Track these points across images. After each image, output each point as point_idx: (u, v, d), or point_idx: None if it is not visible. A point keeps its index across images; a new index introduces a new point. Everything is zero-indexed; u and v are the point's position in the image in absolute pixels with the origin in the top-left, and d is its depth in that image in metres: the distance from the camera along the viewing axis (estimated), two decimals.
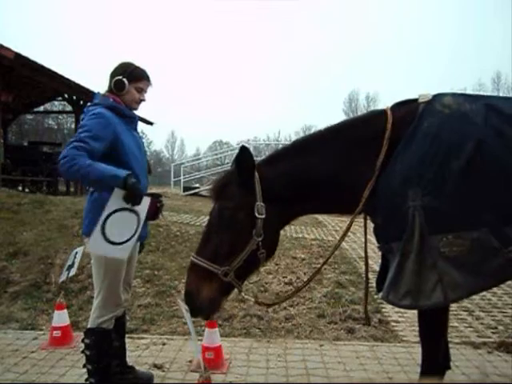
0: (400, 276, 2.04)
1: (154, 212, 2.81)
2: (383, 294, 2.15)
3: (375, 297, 4.87)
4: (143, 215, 2.49)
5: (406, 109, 2.23)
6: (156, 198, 2.85)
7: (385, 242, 2.19)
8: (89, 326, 2.76)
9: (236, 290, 2.24)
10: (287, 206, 2.25)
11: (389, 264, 2.18)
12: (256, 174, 2.19)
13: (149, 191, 2.99)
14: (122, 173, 2.43)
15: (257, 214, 2.13)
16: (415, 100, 2.26)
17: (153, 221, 2.93)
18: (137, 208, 2.46)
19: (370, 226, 2.32)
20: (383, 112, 2.26)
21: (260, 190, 2.16)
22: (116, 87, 2.76)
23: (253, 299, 2.52)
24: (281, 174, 2.23)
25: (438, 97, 2.22)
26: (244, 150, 2.13)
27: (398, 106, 2.30)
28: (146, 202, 2.50)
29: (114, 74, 2.80)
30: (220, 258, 2.13)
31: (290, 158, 2.28)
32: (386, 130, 2.15)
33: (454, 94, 2.26)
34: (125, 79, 2.76)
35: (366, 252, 2.36)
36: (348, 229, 2.31)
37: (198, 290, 2.12)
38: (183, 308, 2.26)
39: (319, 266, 2.44)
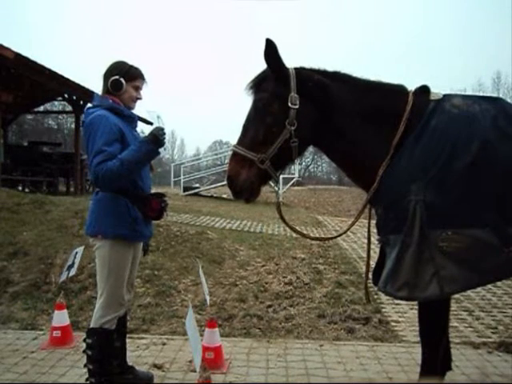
0: (398, 268, 2.07)
1: (158, 212, 2.81)
2: (381, 284, 2.18)
3: (375, 297, 4.88)
4: None
5: (421, 101, 2.24)
6: (160, 197, 2.85)
7: (384, 234, 2.23)
8: (91, 326, 2.75)
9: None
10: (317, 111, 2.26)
11: (386, 257, 2.21)
12: (293, 70, 2.25)
13: (151, 191, 2.98)
14: (145, 140, 2.66)
15: (290, 104, 2.19)
16: (429, 93, 2.28)
17: (157, 220, 2.93)
18: None
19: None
20: (407, 92, 2.29)
21: (295, 83, 2.21)
22: (113, 87, 2.76)
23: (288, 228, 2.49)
24: (315, 81, 2.27)
25: (448, 97, 2.25)
26: (269, 43, 2.17)
27: (418, 92, 2.31)
28: None
29: (109, 75, 2.78)
30: (257, 147, 2.21)
31: (326, 78, 2.31)
32: (405, 110, 2.20)
33: (464, 96, 2.29)
34: (122, 79, 2.76)
35: (369, 233, 2.41)
36: (365, 206, 2.33)
37: (238, 173, 2.23)
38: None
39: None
